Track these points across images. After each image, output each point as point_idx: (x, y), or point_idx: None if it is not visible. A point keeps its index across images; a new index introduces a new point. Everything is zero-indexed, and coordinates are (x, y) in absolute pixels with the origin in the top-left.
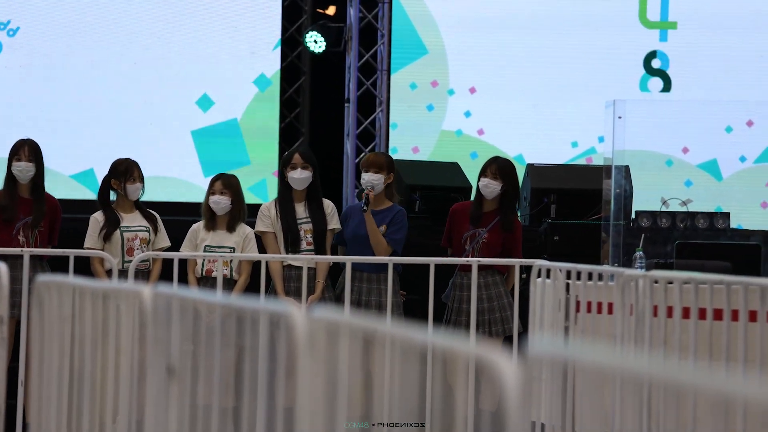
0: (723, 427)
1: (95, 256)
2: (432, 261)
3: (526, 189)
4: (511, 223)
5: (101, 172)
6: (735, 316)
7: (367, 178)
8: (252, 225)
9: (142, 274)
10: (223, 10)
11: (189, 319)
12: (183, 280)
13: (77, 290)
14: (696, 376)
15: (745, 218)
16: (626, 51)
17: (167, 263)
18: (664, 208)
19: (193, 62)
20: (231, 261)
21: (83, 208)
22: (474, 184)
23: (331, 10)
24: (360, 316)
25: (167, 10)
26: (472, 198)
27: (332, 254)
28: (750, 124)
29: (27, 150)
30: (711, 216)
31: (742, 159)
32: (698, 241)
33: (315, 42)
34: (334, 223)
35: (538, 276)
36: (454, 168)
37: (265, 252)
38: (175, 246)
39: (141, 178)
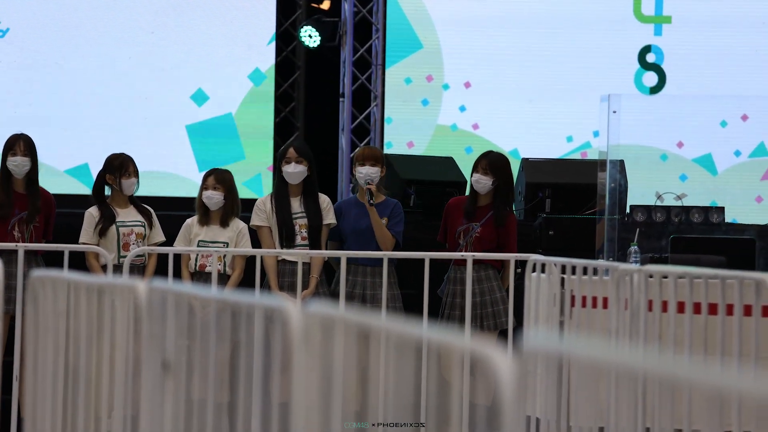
0: (718, 422)
1: (90, 251)
2: (427, 256)
3: (521, 183)
4: (504, 218)
5: (96, 167)
6: (730, 310)
7: (365, 171)
8: (246, 220)
9: (138, 269)
10: (217, 5)
11: (184, 314)
12: (177, 275)
13: (72, 285)
14: (691, 370)
15: (739, 212)
16: (621, 45)
17: (161, 258)
18: (658, 203)
19: (187, 57)
20: (225, 256)
21: (78, 203)
22: (469, 178)
23: (325, 5)
24: (355, 311)
25: (162, 5)
26: (467, 193)
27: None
28: (745, 118)
29: (22, 145)
30: (706, 210)
31: (737, 153)
32: (693, 235)
33: (310, 37)
34: (329, 218)
35: (533, 270)
36: (449, 162)
37: (259, 246)
38: (170, 241)
39: (136, 173)
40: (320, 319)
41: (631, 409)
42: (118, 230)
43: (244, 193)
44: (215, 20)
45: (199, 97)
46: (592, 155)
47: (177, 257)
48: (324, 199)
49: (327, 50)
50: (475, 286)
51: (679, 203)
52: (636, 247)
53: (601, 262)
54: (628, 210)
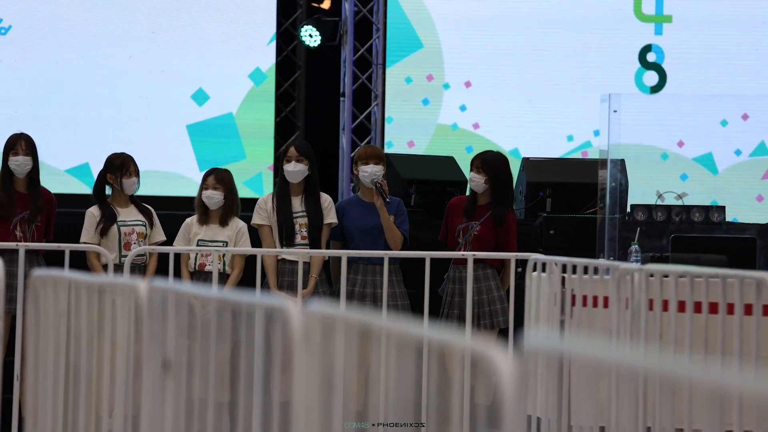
0: (718, 421)
1: (91, 250)
2: (428, 255)
3: (522, 183)
4: (503, 217)
5: (96, 166)
6: (731, 309)
7: (370, 170)
8: (246, 219)
9: (139, 269)
10: (218, 5)
11: (184, 313)
12: (177, 274)
13: (73, 285)
14: (691, 369)
15: (740, 212)
16: (621, 45)
17: (162, 257)
18: (659, 202)
19: (188, 56)
20: (224, 255)
21: (79, 202)
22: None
23: (326, 4)
24: (359, 310)
25: (162, 5)
26: (468, 192)
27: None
28: (745, 117)
29: (23, 144)
30: (706, 209)
31: (738, 152)
32: (694, 234)
33: (310, 36)
34: (330, 217)
35: (534, 270)
36: (449, 162)
37: (258, 245)
38: (170, 240)
39: (137, 173)
40: (321, 318)
41: (632, 408)
42: (119, 230)
43: (244, 192)
44: (216, 20)
45: (200, 97)
46: (592, 154)
47: (177, 257)
48: (325, 199)
49: (327, 50)
50: (473, 285)
51: (679, 202)
52: (637, 246)
53: (601, 262)
54: (628, 209)
